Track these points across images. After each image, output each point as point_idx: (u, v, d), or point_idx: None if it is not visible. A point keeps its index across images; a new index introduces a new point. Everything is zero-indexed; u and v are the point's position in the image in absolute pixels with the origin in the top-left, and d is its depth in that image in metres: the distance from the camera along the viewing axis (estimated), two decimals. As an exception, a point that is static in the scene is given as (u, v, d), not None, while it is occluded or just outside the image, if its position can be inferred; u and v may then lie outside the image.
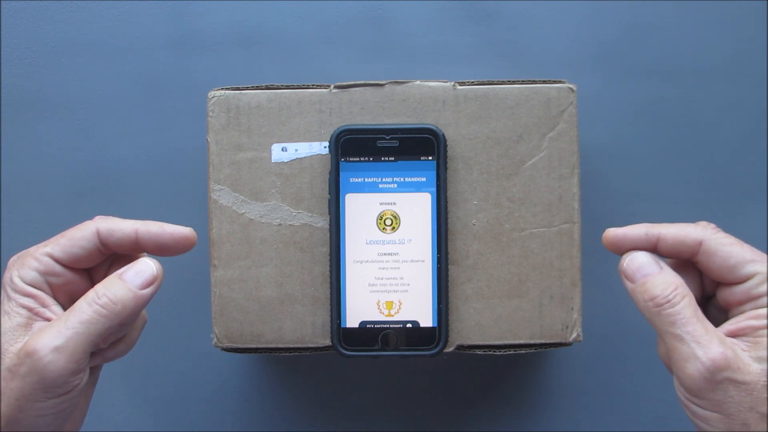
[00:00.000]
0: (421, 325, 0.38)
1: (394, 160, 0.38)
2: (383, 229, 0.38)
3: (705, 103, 0.47)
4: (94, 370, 0.33)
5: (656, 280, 0.30)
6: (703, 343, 0.28)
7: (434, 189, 0.38)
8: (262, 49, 0.47)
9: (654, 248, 0.32)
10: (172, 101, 0.47)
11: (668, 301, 0.29)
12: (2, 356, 0.29)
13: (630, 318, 0.47)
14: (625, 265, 0.31)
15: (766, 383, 0.28)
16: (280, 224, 0.39)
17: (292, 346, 0.39)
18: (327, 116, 0.39)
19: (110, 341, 0.32)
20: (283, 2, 0.47)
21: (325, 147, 0.38)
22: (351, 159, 0.38)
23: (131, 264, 0.31)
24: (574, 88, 0.38)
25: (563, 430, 0.47)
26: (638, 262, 0.31)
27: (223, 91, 0.39)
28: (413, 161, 0.38)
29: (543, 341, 0.38)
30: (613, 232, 0.32)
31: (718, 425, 0.28)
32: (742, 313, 0.30)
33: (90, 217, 0.41)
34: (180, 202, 0.47)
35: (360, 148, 0.38)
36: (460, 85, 0.38)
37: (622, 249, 0.32)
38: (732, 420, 0.28)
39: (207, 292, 0.40)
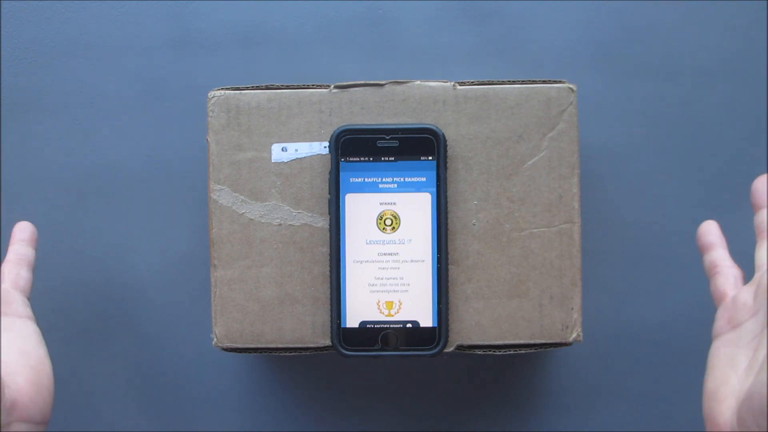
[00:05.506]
0: (421, 325, 0.38)
1: (394, 160, 0.38)
2: (383, 229, 0.38)
3: (705, 103, 0.47)
4: None
5: None
6: None
7: (434, 189, 0.38)
8: (262, 49, 0.47)
9: None
10: (172, 101, 0.47)
11: None
12: None
13: (630, 318, 0.47)
14: None
15: None
16: (280, 224, 0.39)
17: (292, 346, 0.39)
18: (327, 116, 0.39)
19: None
20: (283, 2, 0.47)
21: (325, 147, 0.38)
22: (351, 159, 0.38)
23: None
24: (574, 88, 0.38)
25: (563, 430, 0.47)
26: None
27: (223, 91, 0.39)
28: (413, 161, 0.38)
29: (543, 341, 0.38)
30: None
31: None
32: None
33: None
34: (180, 202, 0.47)
35: (360, 148, 0.38)
36: (460, 85, 0.38)
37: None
38: None
39: (207, 292, 0.40)
